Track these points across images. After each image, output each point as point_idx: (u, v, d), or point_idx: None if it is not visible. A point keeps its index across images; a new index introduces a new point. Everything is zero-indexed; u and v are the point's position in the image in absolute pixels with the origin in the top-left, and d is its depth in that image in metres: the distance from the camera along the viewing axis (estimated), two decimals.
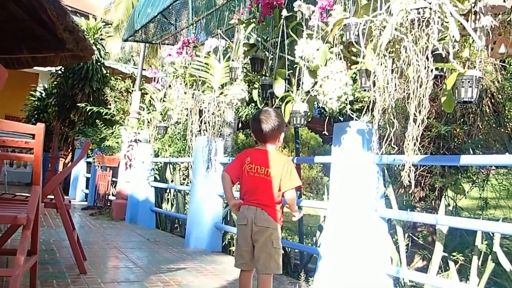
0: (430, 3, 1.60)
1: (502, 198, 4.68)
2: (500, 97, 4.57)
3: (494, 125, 4.63)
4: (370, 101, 2.07)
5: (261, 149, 2.33)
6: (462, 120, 4.52)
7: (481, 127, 4.55)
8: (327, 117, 3.39)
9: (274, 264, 2.19)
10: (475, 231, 2.81)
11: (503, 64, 4.44)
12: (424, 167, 4.51)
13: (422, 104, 1.64)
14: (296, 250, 4.42)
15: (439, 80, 4.19)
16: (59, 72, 10.10)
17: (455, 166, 4.53)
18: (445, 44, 1.80)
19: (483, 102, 4.47)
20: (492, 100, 4.51)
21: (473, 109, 4.41)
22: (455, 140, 4.52)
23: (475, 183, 4.51)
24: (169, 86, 4.66)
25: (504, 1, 1.88)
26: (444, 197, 4.40)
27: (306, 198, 9.38)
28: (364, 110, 2.28)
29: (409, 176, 1.70)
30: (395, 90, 1.91)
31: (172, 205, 5.99)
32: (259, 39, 3.42)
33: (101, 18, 11.70)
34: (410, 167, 1.72)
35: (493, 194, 4.75)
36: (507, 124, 4.74)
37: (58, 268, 3.08)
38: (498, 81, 4.42)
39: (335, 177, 2.85)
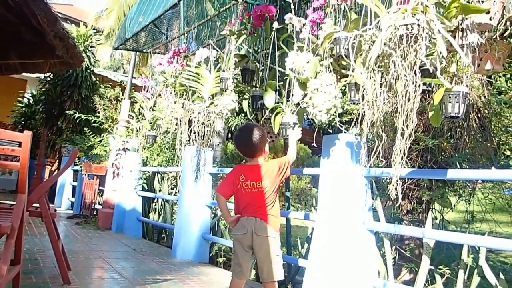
0: (418, 20, 1.63)
1: (488, 212, 4.73)
2: (487, 112, 4.64)
3: (480, 140, 4.69)
4: (359, 114, 2.10)
5: (253, 165, 2.39)
6: (449, 134, 4.58)
7: (467, 141, 4.61)
8: (317, 129, 3.41)
9: (277, 271, 2.25)
10: (461, 245, 2.83)
11: (490, 79, 4.52)
12: (412, 180, 4.54)
13: (410, 119, 1.66)
14: (284, 262, 4.40)
15: (427, 95, 4.25)
16: (48, 78, 10.02)
17: (442, 179, 4.58)
18: (432, 59, 1.83)
19: (470, 116, 4.53)
20: (479, 115, 4.58)
21: (460, 124, 4.46)
22: (442, 153, 4.57)
23: (461, 196, 4.55)
24: (159, 95, 4.66)
25: (490, 19, 1.92)
26: (431, 210, 4.44)
27: (294, 210, 9.37)
28: (353, 122, 2.31)
29: (396, 190, 1.72)
30: (384, 103, 1.93)
31: (159, 215, 5.94)
32: (250, 50, 3.44)
33: (92, 25, 11.65)
34: (397, 181, 1.74)
35: (479, 208, 4.80)
36: (493, 138, 4.81)
37: (42, 278, 3.03)
38: (485, 96, 4.49)
39: (323, 189, 2.85)
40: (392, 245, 3.85)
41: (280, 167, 2.40)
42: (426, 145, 4.25)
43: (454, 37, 2.00)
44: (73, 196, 8.60)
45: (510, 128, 4.64)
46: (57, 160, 10.35)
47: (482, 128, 4.65)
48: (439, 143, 4.30)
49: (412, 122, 1.65)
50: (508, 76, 4.59)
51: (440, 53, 1.67)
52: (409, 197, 4.73)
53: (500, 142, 4.85)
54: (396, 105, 1.85)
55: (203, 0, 4.91)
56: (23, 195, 2.14)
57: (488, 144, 4.70)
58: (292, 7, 3.01)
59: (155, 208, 6.03)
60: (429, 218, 2.86)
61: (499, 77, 4.60)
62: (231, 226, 2.38)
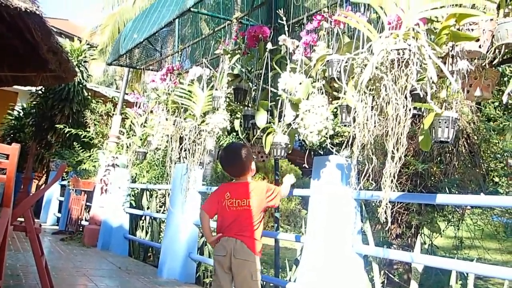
0: (409, 45, 1.65)
1: (477, 238, 4.73)
2: (476, 138, 4.69)
3: (469, 166, 4.73)
4: (350, 136, 2.11)
5: (239, 183, 2.37)
6: (439, 159, 4.61)
7: (457, 166, 4.64)
8: (308, 150, 3.41)
9: None
10: (450, 271, 2.81)
11: (479, 106, 4.58)
12: (401, 204, 4.55)
13: (400, 142, 1.67)
14: (271, 284, 4.35)
15: (417, 119, 4.28)
16: (39, 92, 9.95)
17: (431, 204, 4.59)
18: (423, 84, 1.85)
19: (459, 142, 4.58)
20: (468, 141, 4.62)
21: (450, 149, 4.50)
22: (432, 178, 4.59)
23: (450, 221, 4.56)
24: (151, 111, 4.64)
25: (480, 47, 1.96)
26: (420, 235, 4.43)
27: (283, 231, 9.31)
28: (344, 144, 2.31)
29: (385, 213, 1.71)
30: (375, 126, 1.94)
31: (146, 233, 5.86)
32: (243, 70, 3.46)
33: (86, 41, 11.67)
34: (387, 204, 1.73)
35: (468, 234, 4.81)
36: (482, 165, 4.85)
37: None
38: (474, 123, 4.55)
39: (313, 211, 2.84)
40: (380, 269, 3.82)
41: (268, 191, 2.37)
42: (416, 169, 4.27)
43: (445, 63, 2.03)
44: (59, 211, 8.47)
45: (499, 154, 4.69)
46: (45, 175, 10.23)
47: (472, 154, 4.69)
48: (428, 167, 4.32)
49: (403, 145, 1.66)
50: (497, 103, 4.66)
51: (431, 78, 1.69)
52: (398, 221, 4.73)
53: (489, 169, 4.89)
54: (386, 128, 1.86)
55: (198, 20, 4.96)
56: (8, 208, 2.10)
57: (477, 170, 4.74)
58: (286, 29, 3.05)
59: (143, 226, 5.95)
60: (418, 243, 2.85)
61: (488, 104, 4.66)
62: (212, 246, 2.33)
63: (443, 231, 4.57)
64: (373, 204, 4.90)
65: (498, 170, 4.77)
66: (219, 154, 2.54)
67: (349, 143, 2.11)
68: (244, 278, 2.17)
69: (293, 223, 10.22)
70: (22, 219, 2.95)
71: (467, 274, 2.71)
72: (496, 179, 4.94)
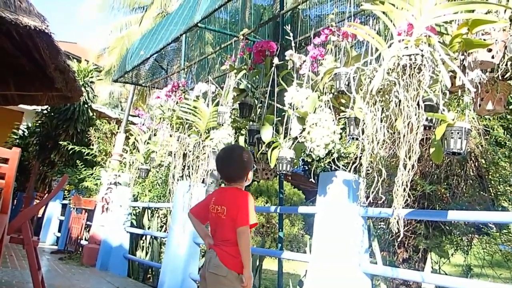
0: (422, 50, 1.61)
1: (487, 265, 4.59)
2: (484, 161, 4.61)
3: (478, 189, 4.63)
4: (355, 156, 2.04)
5: (227, 188, 2.15)
6: (446, 183, 4.52)
7: (465, 190, 4.55)
8: (313, 170, 3.36)
9: None
10: None
11: (487, 128, 4.52)
12: (408, 227, 4.44)
13: (413, 150, 1.61)
14: None
15: (424, 141, 4.23)
16: (45, 111, 9.99)
17: (439, 228, 4.48)
18: (435, 94, 1.81)
19: (467, 165, 4.50)
20: (476, 164, 4.54)
21: (458, 171, 4.42)
22: (440, 202, 4.49)
23: (459, 245, 4.44)
24: (155, 129, 4.62)
25: (493, 57, 1.92)
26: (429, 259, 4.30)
27: (285, 259, 9.10)
28: (351, 163, 2.25)
29: (398, 224, 1.63)
30: (383, 140, 1.88)
31: (146, 253, 5.73)
32: (249, 85, 3.44)
33: (93, 63, 11.80)
34: (398, 215, 1.66)
35: (477, 262, 4.67)
36: (491, 189, 4.75)
37: None
38: (482, 145, 4.48)
39: (319, 228, 2.75)
40: None
41: (237, 208, 2.01)
42: (424, 191, 4.18)
43: (455, 77, 1.99)
44: (59, 231, 8.35)
45: (509, 177, 4.60)
46: (47, 194, 10.14)
47: (480, 177, 4.60)
48: (436, 189, 4.24)
49: (415, 153, 1.60)
50: (506, 126, 4.60)
51: (444, 85, 1.64)
52: (405, 245, 4.61)
53: (498, 193, 4.79)
54: (396, 138, 1.80)
55: (204, 43, 5.00)
56: (5, 215, 2.03)
57: (486, 195, 4.64)
58: (293, 45, 3.04)
59: (143, 246, 5.83)
60: (427, 266, 2.76)
61: (497, 126, 4.60)
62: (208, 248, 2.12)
63: (452, 255, 4.44)
64: (378, 229, 4.80)
65: (508, 194, 4.66)
66: (217, 153, 2.27)
67: (356, 161, 2.04)
68: None
69: (296, 249, 10.03)
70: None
71: None
72: (505, 204, 4.83)
